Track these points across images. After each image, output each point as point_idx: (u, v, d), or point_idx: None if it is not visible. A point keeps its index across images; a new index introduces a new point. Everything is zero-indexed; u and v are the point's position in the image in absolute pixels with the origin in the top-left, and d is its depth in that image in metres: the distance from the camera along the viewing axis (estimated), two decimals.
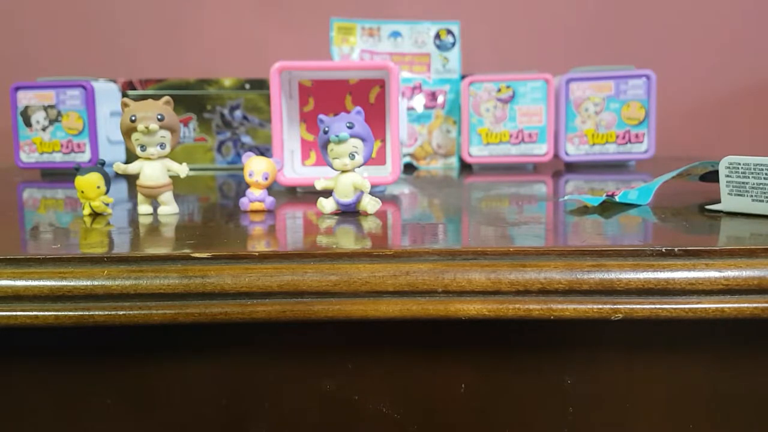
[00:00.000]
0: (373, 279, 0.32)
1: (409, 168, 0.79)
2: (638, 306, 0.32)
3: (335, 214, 0.45)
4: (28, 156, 0.74)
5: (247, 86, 0.81)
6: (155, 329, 0.34)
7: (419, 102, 0.79)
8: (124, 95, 0.79)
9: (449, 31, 0.79)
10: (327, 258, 0.33)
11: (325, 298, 0.32)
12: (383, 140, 0.58)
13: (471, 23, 0.90)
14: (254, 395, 0.36)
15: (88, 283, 0.32)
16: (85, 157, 0.73)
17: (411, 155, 0.79)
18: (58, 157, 0.73)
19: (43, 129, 0.73)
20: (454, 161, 0.80)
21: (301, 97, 0.59)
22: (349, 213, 0.45)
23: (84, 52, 0.97)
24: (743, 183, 0.41)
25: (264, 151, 0.80)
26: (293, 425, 0.36)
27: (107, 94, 0.75)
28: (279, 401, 0.36)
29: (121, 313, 0.32)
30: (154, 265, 0.33)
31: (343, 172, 0.44)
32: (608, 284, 0.32)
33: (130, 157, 0.73)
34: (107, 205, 0.45)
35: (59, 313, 0.32)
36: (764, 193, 0.41)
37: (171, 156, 0.46)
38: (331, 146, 0.43)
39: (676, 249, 0.33)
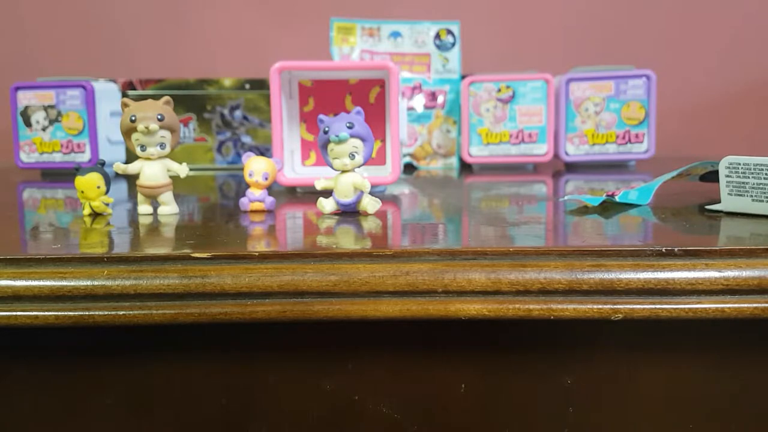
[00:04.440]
0: (373, 279, 0.32)
1: (409, 168, 0.79)
2: (638, 306, 0.32)
3: (335, 214, 0.45)
4: (28, 156, 0.74)
5: (247, 86, 0.81)
6: (155, 329, 0.34)
7: (419, 102, 0.79)
8: (124, 95, 0.79)
9: (449, 31, 0.79)
10: (327, 258, 0.33)
11: (325, 298, 0.32)
12: (383, 140, 0.58)
13: (471, 23, 0.90)
14: (254, 395, 0.36)
15: (88, 283, 0.32)
16: (85, 157, 0.73)
17: (411, 155, 0.79)
18: (58, 157, 0.73)
19: (43, 129, 0.73)
20: (454, 161, 0.80)
21: (301, 97, 0.59)
22: (349, 213, 0.45)
23: (84, 52, 0.97)
24: (743, 183, 0.41)
25: (264, 151, 0.80)
26: (293, 425, 0.36)
27: (107, 94, 0.75)
28: (279, 401, 0.36)
29: (121, 313, 0.32)
30: (154, 265, 0.33)
31: (343, 172, 0.44)
32: (608, 284, 0.32)
33: (130, 157, 0.73)
34: (107, 205, 0.45)
35: (59, 313, 0.32)
36: (764, 193, 0.41)
37: (171, 156, 0.46)
38: (331, 146, 0.43)
39: (676, 249, 0.33)
